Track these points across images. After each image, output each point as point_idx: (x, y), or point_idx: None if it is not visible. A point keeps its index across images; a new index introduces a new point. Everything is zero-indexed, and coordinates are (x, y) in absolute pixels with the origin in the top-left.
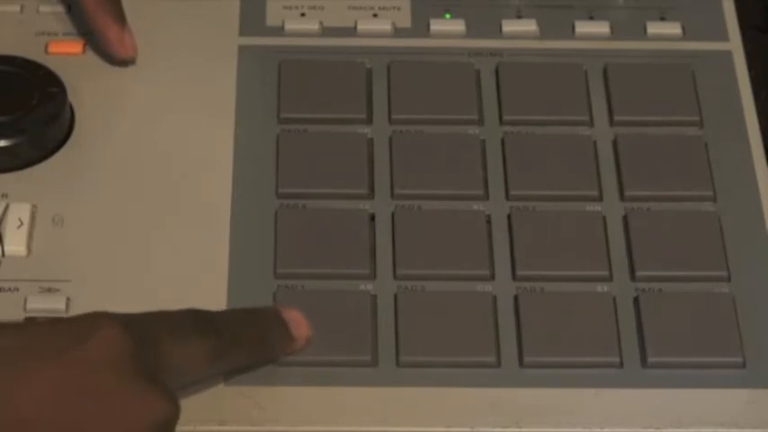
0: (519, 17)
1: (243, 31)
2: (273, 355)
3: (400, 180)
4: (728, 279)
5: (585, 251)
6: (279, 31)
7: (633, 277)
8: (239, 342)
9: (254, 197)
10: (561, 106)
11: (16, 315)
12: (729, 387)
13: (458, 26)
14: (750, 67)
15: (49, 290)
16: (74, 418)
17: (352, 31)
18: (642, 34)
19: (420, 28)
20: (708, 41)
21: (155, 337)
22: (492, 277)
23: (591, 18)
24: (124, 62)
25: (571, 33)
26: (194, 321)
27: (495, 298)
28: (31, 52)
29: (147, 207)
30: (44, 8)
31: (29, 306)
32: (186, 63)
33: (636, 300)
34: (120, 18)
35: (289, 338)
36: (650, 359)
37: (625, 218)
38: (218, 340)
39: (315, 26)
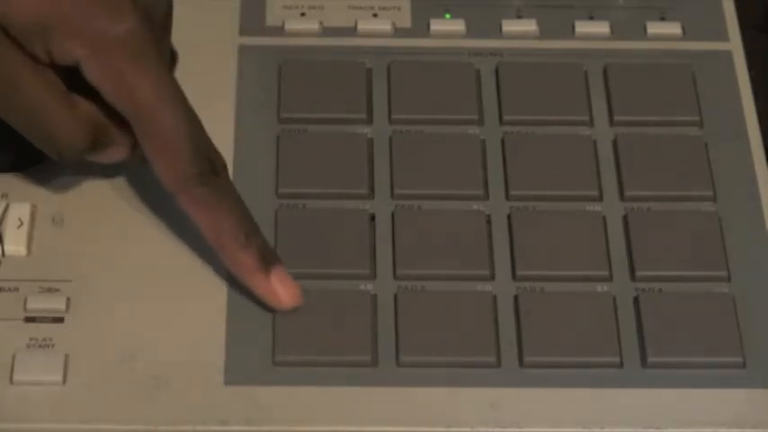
0: (519, 17)
1: (243, 31)
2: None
3: (400, 180)
4: (728, 279)
5: (585, 251)
6: (279, 30)
7: (633, 277)
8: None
9: (254, 197)
10: (561, 106)
11: (16, 315)
12: (729, 387)
13: (458, 26)
14: (750, 67)
15: (49, 290)
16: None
17: (352, 31)
18: (642, 34)
19: (420, 28)
20: (708, 41)
21: None
22: (492, 277)
23: (591, 18)
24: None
25: (571, 33)
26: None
27: (495, 298)
28: None
29: (146, 207)
30: None
31: (29, 306)
32: (186, 63)
33: (636, 300)
34: (263, 268)
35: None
36: (650, 359)
37: (625, 218)
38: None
39: (315, 26)
